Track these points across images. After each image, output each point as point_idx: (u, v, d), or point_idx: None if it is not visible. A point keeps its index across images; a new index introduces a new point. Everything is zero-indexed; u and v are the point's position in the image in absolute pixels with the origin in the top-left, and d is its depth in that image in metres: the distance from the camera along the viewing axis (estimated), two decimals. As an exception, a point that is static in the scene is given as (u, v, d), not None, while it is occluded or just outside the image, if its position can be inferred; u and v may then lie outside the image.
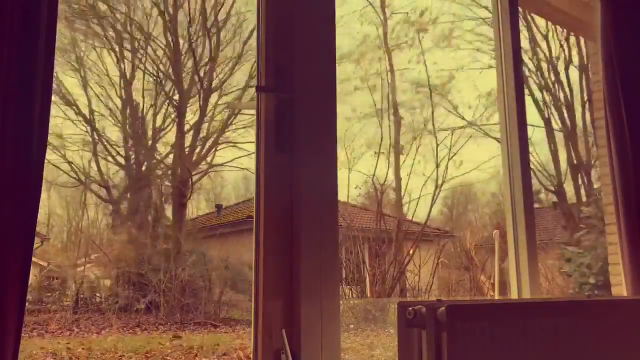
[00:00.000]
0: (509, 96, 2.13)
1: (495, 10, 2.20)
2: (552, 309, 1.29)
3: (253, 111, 1.51)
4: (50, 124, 1.12)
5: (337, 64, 1.56)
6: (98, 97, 6.74)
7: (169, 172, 7.19)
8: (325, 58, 1.55)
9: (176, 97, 7.13)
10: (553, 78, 9.04)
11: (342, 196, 7.37)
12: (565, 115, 9.04)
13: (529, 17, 7.84)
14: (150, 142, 7.13)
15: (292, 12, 1.52)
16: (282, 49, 1.50)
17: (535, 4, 2.53)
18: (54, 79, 1.15)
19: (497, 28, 2.20)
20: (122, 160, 6.92)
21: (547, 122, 9.03)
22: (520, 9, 2.24)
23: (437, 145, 7.81)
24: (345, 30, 7.58)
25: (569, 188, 8.97)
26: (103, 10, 6.71)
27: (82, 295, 6.27)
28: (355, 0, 7.87)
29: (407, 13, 8.13)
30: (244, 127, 7.06)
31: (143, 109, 7.02)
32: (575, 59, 8.95)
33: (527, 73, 8.78)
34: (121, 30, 6.89)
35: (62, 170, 6.45)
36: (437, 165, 7.73)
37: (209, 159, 7.28)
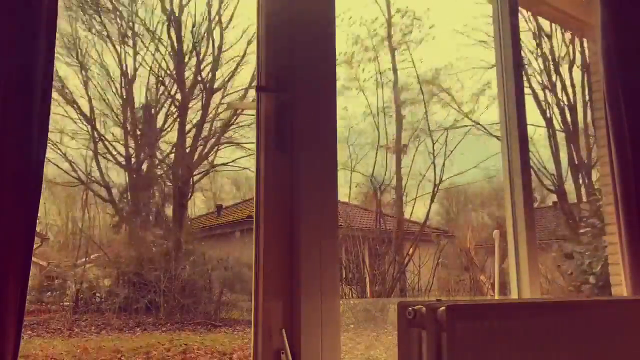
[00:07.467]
0: (509, 95, 2.13)
1: (496, 9, 2.20)
2: (552, 309, 1.29)
3: (254, 111, 1.51)
4: (50, 122, 1.12)
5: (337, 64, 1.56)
6: (100, 95, 6.74)
7: (170, 172, 7.18)
8: (325, 58, 1.54)
9: (178, 96, 7.13)
10: (555, 78, 9.04)
11: (342, 196, 7.37)
12: (567, 115, 9.03)
13: (530, 16, 7.84)
14: (151, 141, 7.13)
15: (292, 12, 1.52)
16: (282, 49, 1.50)
17: (536, 4, 2.52)
18: (55, 76, 1.14)
19: (498, 27, 2.20)
20: (122, 160, 6.92)
21: (549, 122, 9.02)
22: (523, 9, 2.25)
23: (434, 144, 7.82)
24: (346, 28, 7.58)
25: (569, 188, 8.97)
26: (107, 6, 6.71)
27: (82, 295, 6.27)
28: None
29: (413, 12, 8.12)
30: (248, 125, 7.05)
31: (145, 108, 7.03)
32: (579, 59, 8.94)
33: (530, 72, 8.77)
34: (124, 28, 6.89)
35: (62, 169, 6.45)
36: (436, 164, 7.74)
37: (210, 158, 7.28)
